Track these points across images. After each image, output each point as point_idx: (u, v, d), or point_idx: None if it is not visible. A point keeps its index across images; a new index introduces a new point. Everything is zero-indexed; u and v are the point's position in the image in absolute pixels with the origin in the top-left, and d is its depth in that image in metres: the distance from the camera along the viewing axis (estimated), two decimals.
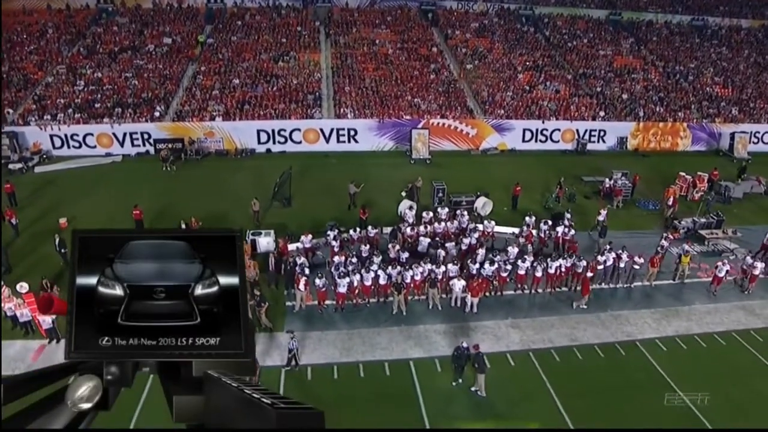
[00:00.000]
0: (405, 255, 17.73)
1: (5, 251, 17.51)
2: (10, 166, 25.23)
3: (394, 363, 14.01)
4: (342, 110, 31.12)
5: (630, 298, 17.50)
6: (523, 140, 31.53)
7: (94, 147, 28.03)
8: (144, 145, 28.42)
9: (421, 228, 19.48)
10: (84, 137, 27.80)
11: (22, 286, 14.37)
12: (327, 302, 16.10)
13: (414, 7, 43.50)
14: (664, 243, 19.03)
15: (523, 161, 29.47)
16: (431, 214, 20.43)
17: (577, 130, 31.65)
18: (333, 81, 33.93)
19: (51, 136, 27.44)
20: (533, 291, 17.28)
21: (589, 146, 31.68)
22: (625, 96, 34.62)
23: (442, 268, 16.47)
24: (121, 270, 1.29)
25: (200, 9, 40.00)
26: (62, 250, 17.39)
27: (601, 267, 17.45)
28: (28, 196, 22.83)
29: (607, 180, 24.74)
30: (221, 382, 1.11)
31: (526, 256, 17.27)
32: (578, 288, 17.21)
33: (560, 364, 14.29)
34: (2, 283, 15.03)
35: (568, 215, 20.57)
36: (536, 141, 31.65)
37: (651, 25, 43.82)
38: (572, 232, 19.62)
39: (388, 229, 19.86)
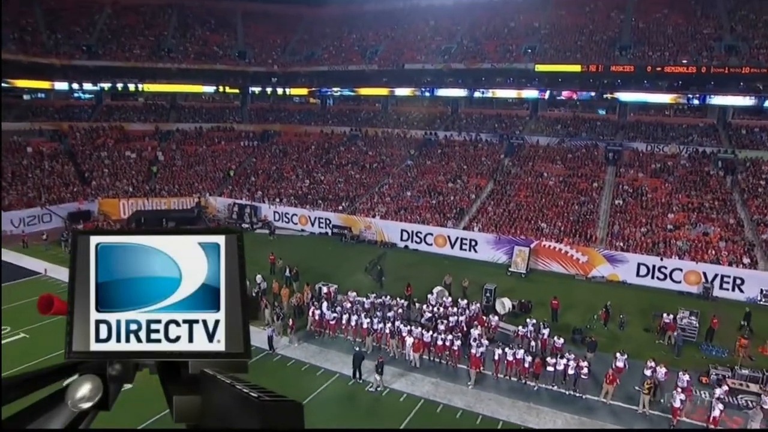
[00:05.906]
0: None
1: None
2: (243, 225, 40.47)
3: (327, 371, 19.71)
4: (471, 224, 37.14)
5: (567, 403, 18.17)
6: (638, 274, 31.20)
7: (296, 224, 41.42)
8: (325, 227, 40.33)
9: (435, 309, 24.19)
10: (291, 216, 41.72)
11: None
12: (327, 331, 22.80)
13: (601, 147, 46.58)
14: (648, 372, 18.88)
15: (621, 293, 29.32)
16: (449, 299, 24.90)
17: (704, 273, 29.61)
18: (482, 201, 40.35)
19: (273, 212, 42.23)
20: (476, 370, 19.92)
21: (721, 294, 29.07)
22: None
23: (408, 327, 21.22)
24: None
25: (418, 139, 52.56)
26: None
27: (550, 369, 19.06)
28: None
29: (665, 314, 23.93)
30: (216, 380, 1.14)
31: (483, 340, 20.33)
32: (528, 382, 19.26)
33: (437, 415, 17.23)
34: None
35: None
36: (653, 278, 30.85)
37: None
38: (561, 340, 21.13)
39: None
